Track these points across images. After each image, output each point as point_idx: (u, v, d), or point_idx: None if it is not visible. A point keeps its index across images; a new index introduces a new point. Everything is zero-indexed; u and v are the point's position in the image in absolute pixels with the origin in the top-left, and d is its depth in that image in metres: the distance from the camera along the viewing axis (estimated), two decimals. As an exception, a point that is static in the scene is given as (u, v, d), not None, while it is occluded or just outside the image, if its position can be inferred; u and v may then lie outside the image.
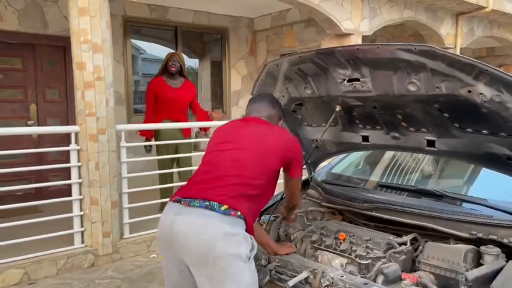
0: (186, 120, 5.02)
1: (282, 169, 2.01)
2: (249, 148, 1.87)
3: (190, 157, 4.89)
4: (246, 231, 1.72)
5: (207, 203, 1.69)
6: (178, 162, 4.93)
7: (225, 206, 1.68)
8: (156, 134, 4.92)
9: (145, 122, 4.94)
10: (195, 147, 5.16)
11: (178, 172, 4.92)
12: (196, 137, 5.50)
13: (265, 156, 1.87)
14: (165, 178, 4.80)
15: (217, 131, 2.09)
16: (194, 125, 5.10)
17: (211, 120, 5.05)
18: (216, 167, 1.85)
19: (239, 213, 1.69)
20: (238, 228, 1.68)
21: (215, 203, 1.68)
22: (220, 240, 1.63)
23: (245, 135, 1.94)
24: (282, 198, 2.41)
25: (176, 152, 4.83)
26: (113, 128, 3.87)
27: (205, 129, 5.20)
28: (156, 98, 4.84)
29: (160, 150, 4.86)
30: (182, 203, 1.75)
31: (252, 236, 1.75)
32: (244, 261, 1.66)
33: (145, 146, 4.98)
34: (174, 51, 6.43)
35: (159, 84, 4.86)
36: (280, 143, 1.93)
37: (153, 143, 4.99)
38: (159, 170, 4.80)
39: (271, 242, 2.07)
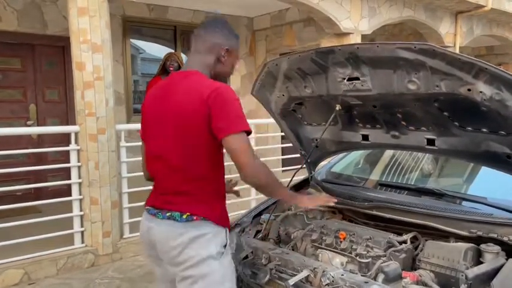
0: None
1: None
2: (171, 137, 1.67)
3: None
4: (217, 223, 1.70)
5: (169, 214, 1.70)
6: None
7: (187, 214, 1.67)
8: None
9: None
10: None
11: None
12: None
13: (188, 137, 1.63)
14: None
15: (143, 108, 1.85)
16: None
17: None
18: (155, 171, 1.80)
19: (201, 216, 1.67)
20: (206, 228, 1.68)
21: (176, 213, 1.69)
22: (188, 247, 1.66)
23: (164, 118, 1.70)
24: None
25: None
26: (112, 128, 3.87)
27: None
28: None
29: None
30: (150, 213, 1.79)
31: (227, 229, 1.76)
32: (215, 258, 1.67)
33: None
34: (173, 51, 6.44)
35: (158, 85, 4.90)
36: (194, 105, 1.61)
37: None
38: None
39: (298, 197, 1.95)
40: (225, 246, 1.73)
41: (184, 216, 1.67)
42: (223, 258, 1.72)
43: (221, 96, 1.62)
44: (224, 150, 1.70)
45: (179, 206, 1.69)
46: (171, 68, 4.88)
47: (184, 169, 1.68)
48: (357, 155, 3.06)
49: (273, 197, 2.08)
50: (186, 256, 1.66)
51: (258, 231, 2.35)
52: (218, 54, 1.78)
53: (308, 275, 1.79)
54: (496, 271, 1.62)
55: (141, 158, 1.98)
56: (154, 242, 1.75)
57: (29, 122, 5.38)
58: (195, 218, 1.67)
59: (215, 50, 1.77)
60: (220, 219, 1.74)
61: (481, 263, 1.71)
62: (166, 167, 1.72)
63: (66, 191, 3.99)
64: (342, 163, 3.00)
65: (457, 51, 7.15)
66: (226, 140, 1.59)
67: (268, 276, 1.89)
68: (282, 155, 6.27)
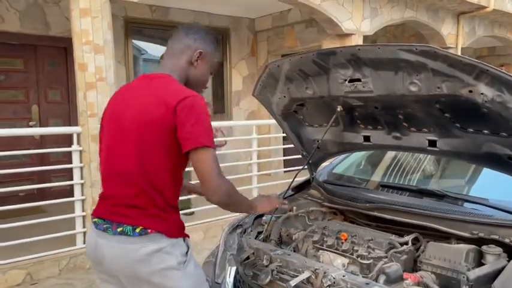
0: None
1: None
2: (129, 143, 1.57)
3: None
4: (172, 236, 1.59)
5: (120, 229, 1.56)
6: None
7: (140, 228, 1.54)
8: None
9: None
10: None
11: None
12: None
13: (148, 146, 1.54)
14: None
15: (106, 110, 1.76)
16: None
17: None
18: (109, 180, 1.65)
19: (156, 230, 1.55)
20: (162, 241, 1.56)
21: (128, 227, 1.55)
22: (144, 262, 1.54)
23: (124, 123, 1.60)
24: (284, 198, 2.41)
25: None
26: (114, 129, 3.87)
27: None
28: None
29: None
30: (98, 228, 1.63)
31: (184, 238, 1.64)
32: (177, 268, 1.57)
33: None
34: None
35: None
36: (158, 111, 1.51)
37: None
38: None
39: (250, 202, 1.79)
40: (186, 253, 1.62)
41: (138, 230, 1.55)
42: (187, 266, 1.61)
43: (191, 106, 1.50)
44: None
45: (131, 219, 1.56)
46: None
47: (140, 180, 1.55)
48: (358, 156, 3.06)
49: (237, 212, 1.90)
50: (145, 273, 1.55)
51: (259, 232, 2.35)
52: (190, 56, 1.69)
53: (309, 276, 1.80)
54: (497, 273, 1.62)
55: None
56: (103, 259, 1.61)
57: (31, 123, 5.39)
58: (149, 231, 1.55)
59: (187, 52, 1.68)
60: (175, 231, 1.61)
61: (483, 264, 1.71)
62: (120, 176, 1.59)
63: (69, 191, 4.01)
64: (344, 164, 3.00)
65: (459, 52, 7.14)
66: (194, 152, 1.49)
67: (269, 277, 1.89)
68: (284, 156, 6.28)
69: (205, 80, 1.78)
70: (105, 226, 1.61)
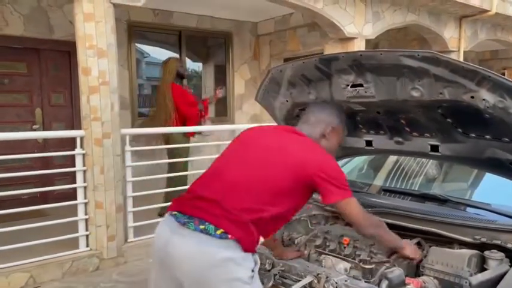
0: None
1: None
2: (255, 165, 1.72)
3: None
4: (245, 251, 1.61)
5: (203, 227, 1.58)
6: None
7: (221, 230, 1.57)
8: (167, 140, 4.96)
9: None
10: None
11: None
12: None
13: (272, 174, 1.68)
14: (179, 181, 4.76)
15: (241, 135, 1.96)
16: (197, 129, 5.08)
17: (207, 108, 5.29)
18: (217, 185, 1.71)
19: (234, 238, 1.57)
20: (236, 251, 1.58)
21: (211, 226, 1.58)
22: (217, 267, 1.56)
23: (259, 149, 1.79)
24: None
25: (188, 155, 4.87)
26: (117, 132, 3.89)
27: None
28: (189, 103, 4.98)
29: (173, 155, 4.85)
30: (178, 221, 1.66)
31: (253, 253, 1.66)
32: (247, 282, 1.58)
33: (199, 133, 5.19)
34: (177, 55, 6.46)
35: (186, 91, 5.06)
36: (295, 159, 1.70)
37: (161, 146, 5.02)
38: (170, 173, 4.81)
39: (397, 239, 1.88)
40: (252, 270, 1.63)
41: (218, 232, 1.57)
42: (254, 282, 1.62)
43: (331, 168, 1.73)
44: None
45: (215, 218, 1.59)
46: (187, 73, 5.17)
47: (255, 188, 1.67)
48: (360, 161, 3.07)
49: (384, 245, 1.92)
50: (214, 279, 1.55)
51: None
52: (323, 130, 1.89)
53: (312, 281, 1.80)
54: (499, 278, 1.63)
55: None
56: (172, 257, 1.61)
57: (34, 126, 5.41)
58: (229, 236, 1.57)
59: (321, 125, 1.89)
60: (249, 244, 1.63)
61: (485, 269, 1.72)
62: (236, 181, 1.68)
63: (72, 194, 4.02)
64: (346, 168, 3.00)
65: (461, 55, 7.14)
66: (341, 203, 1.72)
67: (271, 282, 1.90)
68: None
69: (334, 150, 1.98)
70: (185, 220, 1.63)
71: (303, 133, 1.85)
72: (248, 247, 1.61)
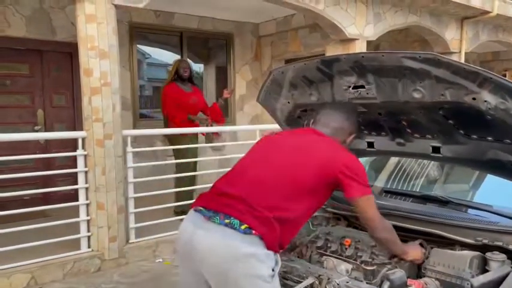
0: (198, 125, 5.06)
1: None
2: (280, 164, 1.77)
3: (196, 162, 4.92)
4: (268, 248, 1.63)
5: (228, 221, 1.62)
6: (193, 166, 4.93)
7: (246, 225, 1.60)
8: (171, 140, 4.94)
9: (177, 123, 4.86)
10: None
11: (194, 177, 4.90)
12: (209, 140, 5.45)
13: (296, 172, 1.73)
14: (185, 182, 4.74)
15: (264, 138, 2.04)
16: (200, 130, 5.07)
17: (220, 112, 5.22)
18: (242, 183, 1.75)
19: (258, 234, 1.60)
20: (260, 248, 1.60)
21: (236, 220, 1.61)
22: (240, 262, 1.58)
23: (283, 149, 1.85)
24: None
25: (195, 156, 4.85)
26: (119, 133, 3.90)
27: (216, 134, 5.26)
28: (175, 104, 4.89)
29: (178, 155, 4.82)
30: (203, 216, 1.69)
31: (275, 252, 1.67)
32: (267, 281, 1.60)
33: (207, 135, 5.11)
34: (179, 57, 6.48)
35: (176, 91, 4.93)
36: (320, 158, 1.77)
37: (162, 148, 5.01)
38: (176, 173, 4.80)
39: (403, 246, 1.88)
40: (273, 269, 1.64)
41: (243, 227, 1.60)
42: (274, 281, 1.64)
43: (355, 166, 1.79)
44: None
45: (239, 213, 1.62)
46: (186, 74, 4.97)
47: (280, 186, 1.71)
48: (362, 162, 3.05)
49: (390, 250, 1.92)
50: (236, 274, 1.57)
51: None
52: (346, 137, 1.99)
53: (313, 282, 1.80)
54: (501, 279, 1.63)
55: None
56: (196, 250, 1.64)
57: (36, 127, 5.42)
58: (253, 232, 1.60)
59: (344, 133, 1.98)
60: (273, 242, 1.65)
61: (487, 271, 1.72)
62: (262, 185, 1.72)
63: (74, 195, 4.03)
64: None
65: (463, 57, 7.13)
66: (360, 199, 1.76)
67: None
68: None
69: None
70: (210, 214, 1.67)
71: (324, 134, 1.92)
72: (271, 245, 1.63)
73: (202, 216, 1.69)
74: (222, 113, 5.35)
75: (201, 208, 1.72)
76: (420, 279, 1.77)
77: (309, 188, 1.74)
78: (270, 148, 1.90)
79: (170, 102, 4.90)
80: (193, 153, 4.84)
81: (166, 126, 4.99)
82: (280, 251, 1.73)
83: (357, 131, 2.06)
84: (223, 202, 1.69)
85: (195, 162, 4.88)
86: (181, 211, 4.43)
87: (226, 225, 1.62)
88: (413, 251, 1.88)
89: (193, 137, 4.91)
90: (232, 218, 1.62)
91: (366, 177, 1.80)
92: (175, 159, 4.83)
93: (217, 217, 1.65)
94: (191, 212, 1.77)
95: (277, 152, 1.85)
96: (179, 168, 4.77)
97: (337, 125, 1.97)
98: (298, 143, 1.85)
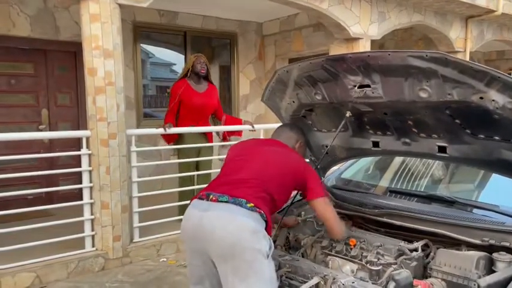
0: (209, 125, 4.87)
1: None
2: (270, 161, 2.00)
3: (210, 161, 4.81)
4: (266, 228, 1.82)
5: (235, 199, 1.80)
6: (197, 166, 4.82)
7: (251, 204, 1.79)
8: (178, 139, 4.71)
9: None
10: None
11: (197, 176, 4.79)
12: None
13: (284, 172, 1.99)
14: (185, 182, 4.69)
15: (234, 147, 2.25)
16: (201, 129, 4.98)
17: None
18: (240, 171, 1.97)
19: (262, 212, 1.80)
20: (260, 226, 1.78)
21: (243, 200, 1.79)
22: (246, 233, 1.73)
23: (266, 151, 2.08)
24: (292, 203, 2.41)
25: (198, 156, 4.75)
26: (123, 133, 3.90)
27: (229, 134, 4.97)
28: (180, 102, 4.62)
29: (181, 155, 4.78)
30: (211, 198, 1.85)
31: (270, 237, 1.84)
32: (265, 257, 1.75)
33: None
34: (183, 56, 6.47)
35: (186, 89, 4.61)
36: (294, 164, 2.04)
37: (173, 146, 4.88)
38: (179, 173, 4.73)
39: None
40: (269, 248, 1.80)
41: (249, 205, 1.79)
42: (270, 261, 1.80)
43: (310, 169, 2.12)
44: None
45: (247, 196, 1.81)
46: (203, 71, 4.64)
47: (274, 177, 1.95)
48: (367, 161, 3.05)
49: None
50: (242, 246, 1.72)
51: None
52: (293, 144, 2.25)
53: (318, 282, 1.80)
54: (508, 280, 1.62)
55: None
56: (204, 228, 1.78)
57: (41, 127, 5.44)
58: (257, 210, 1.79)
59: (291, 141, 2.25)
60: (269, 228, 1.87)
61: (494, 271, 1.70)
62: (259, 169, 1.95)
63: (78, 195, 4.03)
64: (352, 169, 2.99)
65: (468, 56, 7.10)
66: (321, 199, 2.01)
67: (278, 283, 1.89)
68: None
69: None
70: (217, 195, 1.85)
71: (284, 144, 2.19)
72: (268, 224, 1.84)
73: (208, 201, 1.85)
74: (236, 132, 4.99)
75: (206, 193, 1.90)
76: (426, 280, 1.76)
77: (288, 186, 2.02)
78: (254, 151, 2.10)
79: (173, 99, 4.63)
80: (197, 152, 4.78)
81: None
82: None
83: (304, 139, 2.35)
84: (226, 188, 1.88)
85: (198, 162, 4.82)
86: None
87: (233, 202, 1.79)
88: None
89: (198, 136, 4.75)
90: (238, 198, 1.80)
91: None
92: (178, 158, 4.80)
93: (225, 197, 1.82)
94: (194, 201, 1.93)
95: (265, 154, 2.06)
96: (182, 167, 4.74)
97: (286, 135, 2.27)
98: (274, 148, 2.13)
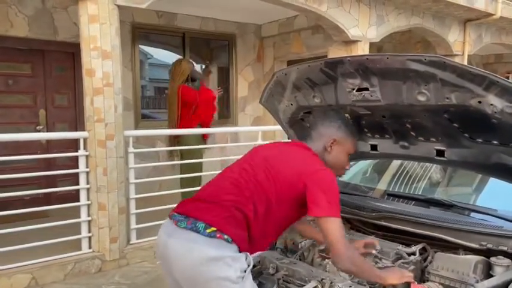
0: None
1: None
2: (267, 169, 1.77)
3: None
4: (240, 251, 1.65)
5: (193, 225, 1.63)
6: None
7: (212, 228, 1.61)
8: (180, 140, 4.80)
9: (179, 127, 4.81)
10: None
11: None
12: None
13: (276, 179, 1.74)
14: (194, 182, 4.69)
15: (256, 148, 2.02)
16: (201, 131, 5.03)
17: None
18: (217, 186, 1.80)
19: (226, 236, 1.61)
20: (226, 251, 1.60)
21: (202, 224, 1.62)
22: (204, 266, 1.59)
23: (269, 157, 1.84)
24: None
25: (201, 157, 4.80)
26: (121, 134, 3.89)
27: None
28: (186, 105, 4.76)
29: (186, 155, 4.78)
30: (173, 220, 1.72)
31: (247, 254, 1.67)
32: (235, 282, 1.59)
33: (171, 152, 4.93)
34: (182, 57, 6.45)
35: (194, 93, 4.78)
36: (296, 169, 1.76)
37: (164, 148, 4.92)
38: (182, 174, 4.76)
39: (377, 272, 1.73)
40: (245, 271, 1.63)
41: (208, 231, 1.61)
42: (245, 281, 1.63)
43: (323, 178, 1.73)
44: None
45: (211, 218, 1.63)
46: (198, 75, 4.96)
47: (258, 189, 1.72)
48: (365, 164, 3.05)
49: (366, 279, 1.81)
50: (203, 278, 1.59)
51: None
52: (325, 143, 1.91)
53: (316, 286, 1.79)
54: (506, 284, 1.61)
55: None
56: (169, 256, 1.67)
57: (38, 127, 5.42)
58: (218, 235, 1.60)
59: (323, 139, 1.92)
60: (245, 247, 1.67)
61: (491, 276, 1.70)
62: (237, 182, 1.74)
63: (75, 196, 4.02)
64: (350, 172, 2.98)
65: (466, 59, 7.12)
66: (324, 220, 1.65)
67: (275, 287, 1.88)
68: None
69: (340, 164, 1.97)
70: (180, 219, 1.69)
71: (309, 147, 1.91)
72: (239, 246, 1.65)
73: (173, 222, 1.72)
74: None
75: (175, 213, 1.75)
76: (424, 284, 1.75)
77: (285, 195, 1.75)
78: (251, 157, 1.90)
79: (187, 102, 4.75)
80: (201, 153, 4.82)
81: (175, 126, 4.84)
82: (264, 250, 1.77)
83: (343, 137, 1.96)
84: (196, 206, 1.73)
85: (202, 163, 4.83)
86: None
87: (191, 229, 1.64)
88: (392, 274, 1.71)
89: (200, 138, 4.85)
90: (198, 222, 1.64)
91: (337, 195, 1.71)
92: (183, 159, 4.77)
93: (185, 222, 1.67)
94: (166, 220, 1.79)
95: (256, 161, 1.84)
96: (187, 168, 4.72)
97: (315, 133, 1.97)
98: (277, 153, 1.87)
